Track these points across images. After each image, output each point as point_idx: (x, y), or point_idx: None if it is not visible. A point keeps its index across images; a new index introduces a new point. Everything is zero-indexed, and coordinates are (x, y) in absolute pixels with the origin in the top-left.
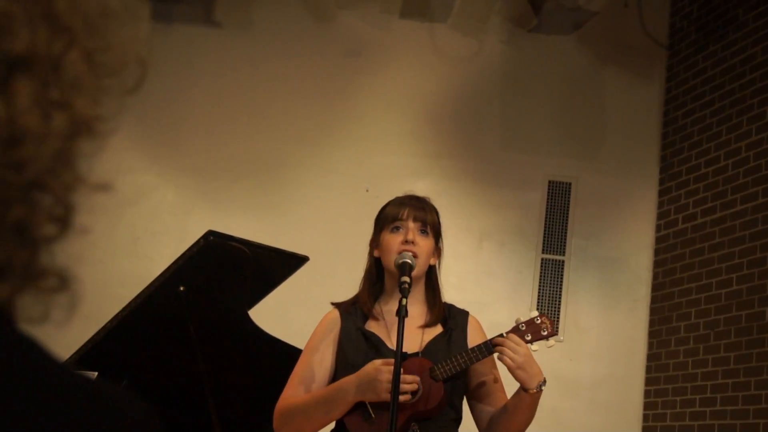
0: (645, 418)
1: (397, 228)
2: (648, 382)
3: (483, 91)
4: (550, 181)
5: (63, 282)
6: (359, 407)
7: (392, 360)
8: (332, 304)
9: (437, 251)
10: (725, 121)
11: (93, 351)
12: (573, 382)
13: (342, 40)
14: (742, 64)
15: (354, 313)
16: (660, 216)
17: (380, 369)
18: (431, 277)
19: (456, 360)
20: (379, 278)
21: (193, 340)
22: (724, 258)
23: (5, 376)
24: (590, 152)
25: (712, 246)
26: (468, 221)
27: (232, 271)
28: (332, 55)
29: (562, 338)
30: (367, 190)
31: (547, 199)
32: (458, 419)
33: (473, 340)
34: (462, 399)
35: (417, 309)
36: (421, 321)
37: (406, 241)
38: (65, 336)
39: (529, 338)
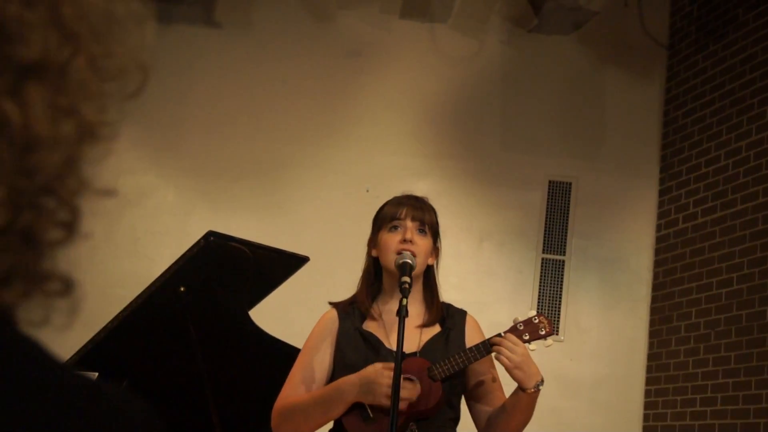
0: (645, 417)
1: (396, 227)
2: (648, 381)
3: (483, 91)
4: (550, 181)
5: (67, 286)
6: (357, 407)
7: (393, 364)
8: (330, 303)
9: (435, 251)
10: (725, 120)
11: (93, 351)
12: (573, 382)
13: (342, 40)
14: (742, 63)
15: (352, 312)
16: (660, 216)
17: (381, 373)
18: (429, 277)
19: (454, 360)
20: (377, 278)
21: (194, 340)
22: (724, 257)
23: (6, 377)
24: (590, 152)
25: (713, 245)
26: (468, 221)
27: (232, 271)
28: (332, 56)
29: (562, 338)
30: (367, 191)
31: (548, 199)
32: (456, 419)
33: (471, 339)
34: (460, 398)
35: (415, 309)
36: (419, 321)
37: (404, 240)
38: (65, 337)
39: (527, 338)
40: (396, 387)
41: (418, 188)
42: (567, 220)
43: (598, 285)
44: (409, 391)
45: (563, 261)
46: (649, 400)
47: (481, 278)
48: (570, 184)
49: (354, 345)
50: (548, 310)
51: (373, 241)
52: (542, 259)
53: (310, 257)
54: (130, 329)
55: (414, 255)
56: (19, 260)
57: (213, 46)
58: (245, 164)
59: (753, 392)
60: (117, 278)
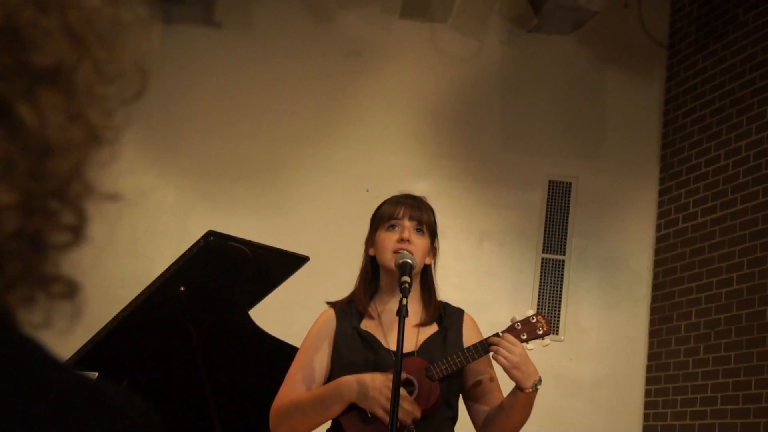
0: (645, 417)
1: (393, 226)
2: (648, 381)
3: (483, 91)
4: (550, 181)
5: (72, 289)
6: (356, 407)
7: (392, 375)
8: (327, 303)
9: (433, 250)
10: (725, 120)
11: (93, 351)
12: (573, 381)
13: (342, 40)
14: (742, 63)
15: (349, 312)
16: (660, 215)
17: (381, 390)
18: (427, 277)
19: (452, 360)
20: (375, 277)
21: (194, 340)
22: (724, 257)
23: (6, 377)
24: (590, 152)
25: (713, 245)
26: (468, 221)
27: (232, 271)
28: (332, 56)
29: (562, 338)
30: (367, 190)
31: (548, 198)
32: (454, 418)
33: (469, 338)
34: (458, 398)
35: (412, 308)
36: (417, 320)
37: (401, 240)
38: (65, 337)
39: (524, 337)
40: (396, 388)
41: (419, 188)
42: (567, 219)
43: (598, 285)
44: (407, 413)
45: (563, 261)
46: (649, 399)
47: (481, 278)
48: (570, 183)
49: (352, 344)
50: (548, 309)
51: (371, 240)
52: (542, 258)
53: (310, 257)
54: (130, 329)
55: (411, 254)
56: (26, 264)
57: (213, 46)
58: (245, 164)
59: (753, 392)
60: (117, 278)
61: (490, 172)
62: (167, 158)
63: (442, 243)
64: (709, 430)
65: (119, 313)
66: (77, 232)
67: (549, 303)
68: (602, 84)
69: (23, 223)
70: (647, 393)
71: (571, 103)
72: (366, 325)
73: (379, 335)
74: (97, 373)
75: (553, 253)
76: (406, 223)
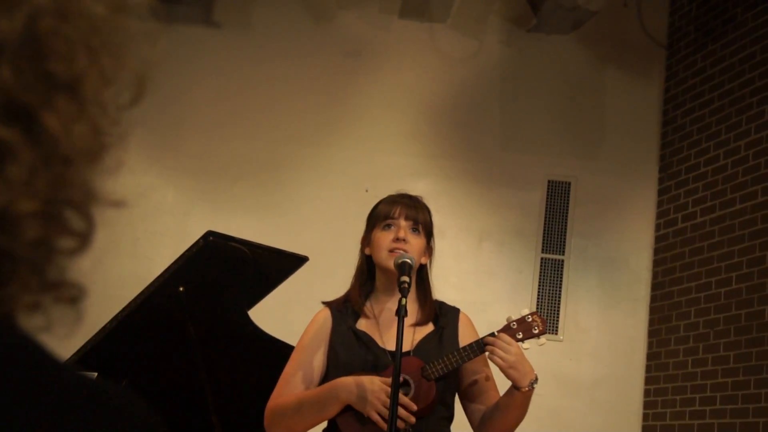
0: (645, 417)
1: (389, 226)
2: (648, 381)
3: (483, 91)
4: (549, 181)
5: (79, 293)
6: (352, 407)
7: (390, 380)
8: (323, 303)
9: (428, 250)
10: (724, 120)
11: (93, 351)
12: (573, 381)
13: (342, 40)
14: (741, 63)
15: (345, 311)
16: (659, 215)
17: (378, 393)
18: (422, 276)
19: (447, 359)
20: (370, 276)
21: (193, 340)
22: (723, 257)
23: (6, 376)
24: (590, 152)
25: (712, 245)
26: (468, 221)
27: (231, 271)
28: (332, 55)
29: (561, 338)
30: (366, 190)
31: (547, 198)
32: (450, 417)
33: (464, 337)
34: (454, 397)
35: (408, 308)
36: (413, 319)
37: (397, 239)
38: (65, 337)
39: (520, 336)
40: (395, 388)
41: (418, 188)
42: (566, 219)
43: (597, 285)
44: (401, 419)
45: (562, 261)
46: (648, 399)
47: (481, 278)
48: (569, 183)
49: (347, 344)
50: (547, 309)
51: (367, 239)
52: (542, 258)
53: (310, 257)
54: (129, 329)
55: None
56: (36, 267)
57: (213, 46)
58: (245, 164)
59: (752, 391)
60: (116, 278)
61: (490, 172)
62: (167, 158)
63: (442, 243)
64: (708, 430)
65: (119, 313)
66: (85, 238)
67: (548, 303)
68: (601, 84)
69: (43, 231)
70: (646, 393)
71: (570, 103)
72: (361, 324)
73: (374, 335)
74: (96, 373)
75: (553, 253)
76: (402, 222)
